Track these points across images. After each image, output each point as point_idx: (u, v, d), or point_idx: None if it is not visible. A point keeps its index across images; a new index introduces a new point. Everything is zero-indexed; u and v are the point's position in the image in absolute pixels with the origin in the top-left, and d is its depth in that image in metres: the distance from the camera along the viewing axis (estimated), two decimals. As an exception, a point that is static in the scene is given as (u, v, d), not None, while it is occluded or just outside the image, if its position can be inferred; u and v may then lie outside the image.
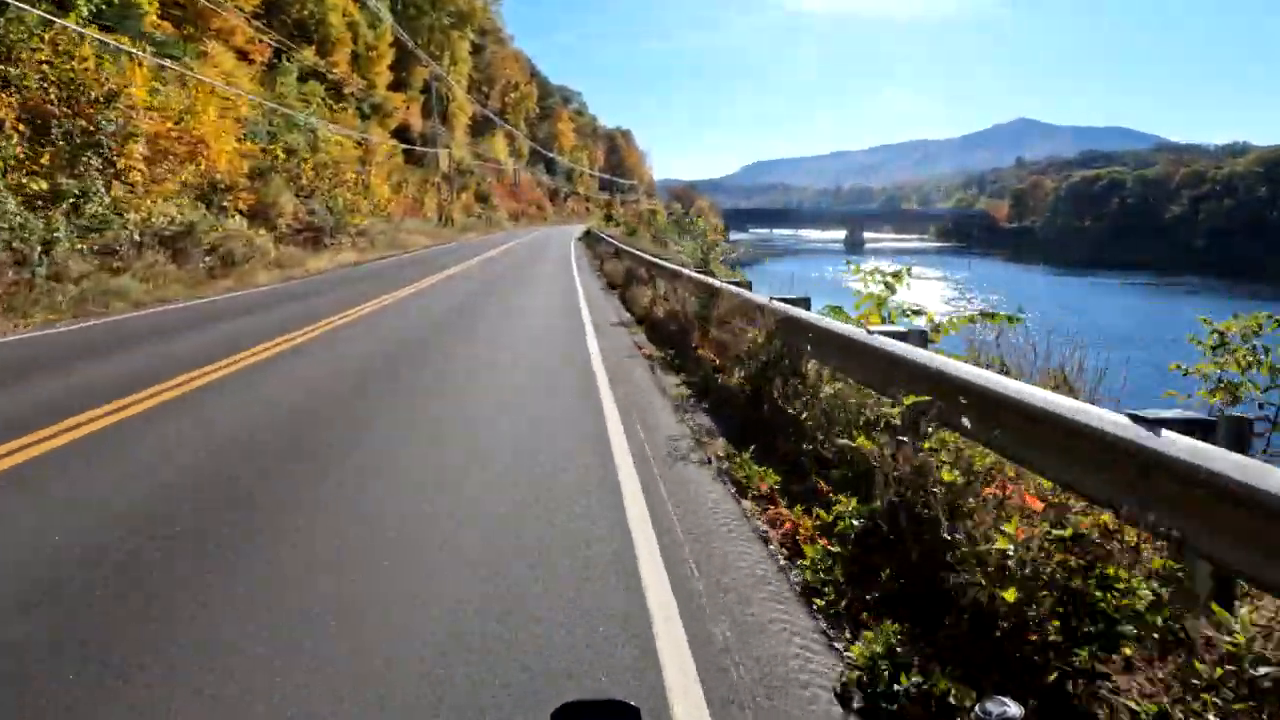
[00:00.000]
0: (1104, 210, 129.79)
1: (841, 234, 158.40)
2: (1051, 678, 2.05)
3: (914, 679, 2.18)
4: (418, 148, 42.95)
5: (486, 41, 74.27)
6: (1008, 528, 2.32)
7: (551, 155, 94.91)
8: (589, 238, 34.05)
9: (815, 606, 2.88)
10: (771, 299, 6.17)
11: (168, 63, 16.42)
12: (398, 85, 49.00)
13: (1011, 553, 2.24)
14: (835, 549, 3.16)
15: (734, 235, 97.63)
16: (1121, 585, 2.06)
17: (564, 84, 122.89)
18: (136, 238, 12.54)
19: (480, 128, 70.68)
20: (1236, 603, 2.08)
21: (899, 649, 2.35)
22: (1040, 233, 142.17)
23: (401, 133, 44.31)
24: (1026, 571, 2.19)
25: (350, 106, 36.73)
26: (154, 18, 17.77)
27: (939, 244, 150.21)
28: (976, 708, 0.61)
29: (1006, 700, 0.60)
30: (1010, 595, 2.16)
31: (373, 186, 30.20)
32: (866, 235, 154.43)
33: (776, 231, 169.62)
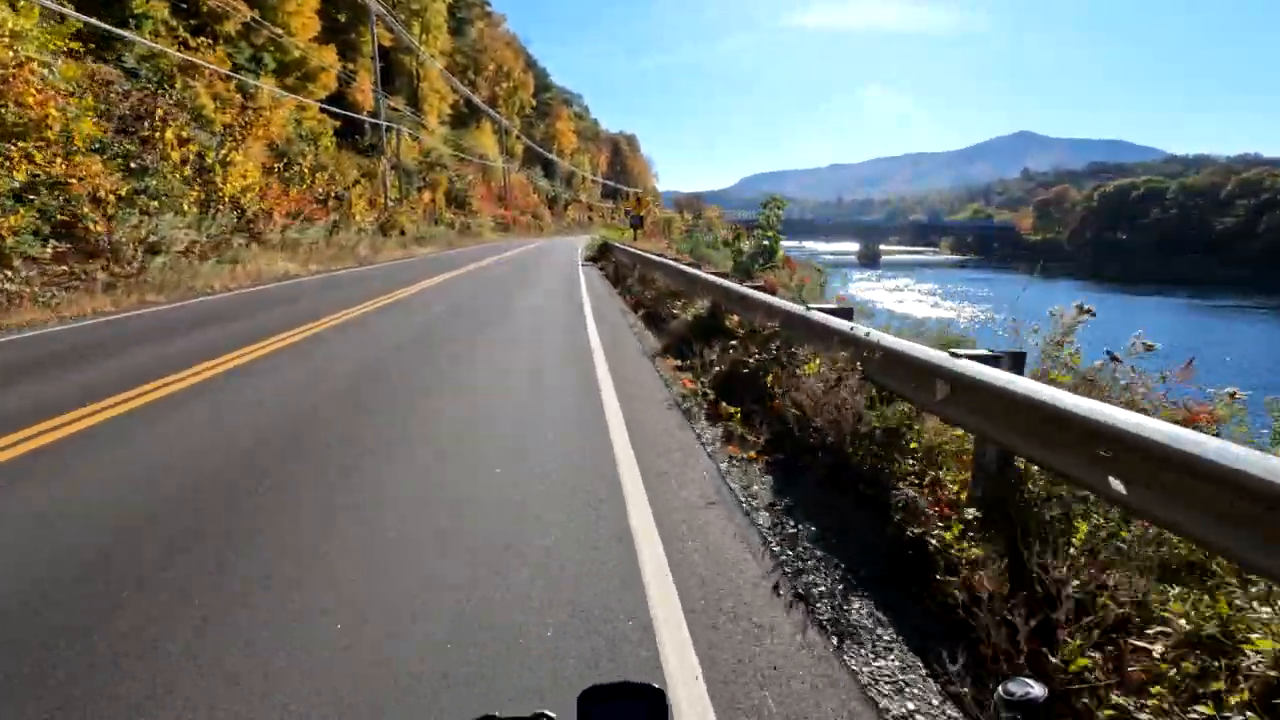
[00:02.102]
0: (1141, 222, 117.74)
1: (852, 246, 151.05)
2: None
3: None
4: (355, 116, 28.88)
5: (472, 16, 60.58)
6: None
7: (550, 156, 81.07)
8: (606, 258, 20.63)
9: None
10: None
11: None
12: (342, 54, 35.26)
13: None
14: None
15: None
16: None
17: (564, 87, 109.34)
18: None
19: (464, 120, 56.95)
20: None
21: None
22: (1069, 245, 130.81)
23: (350, 114, 30.43)
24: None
25: (234, 50, 23.00)
26: None
27: (956, 257, 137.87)
28: (1000, 689, 0.58)
29: (1030, 681, 0.58)
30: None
31: (234, 165, 16.45)
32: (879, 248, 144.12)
33: (783, 243, 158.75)
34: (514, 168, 67.63)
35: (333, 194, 23.43)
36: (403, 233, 27.77)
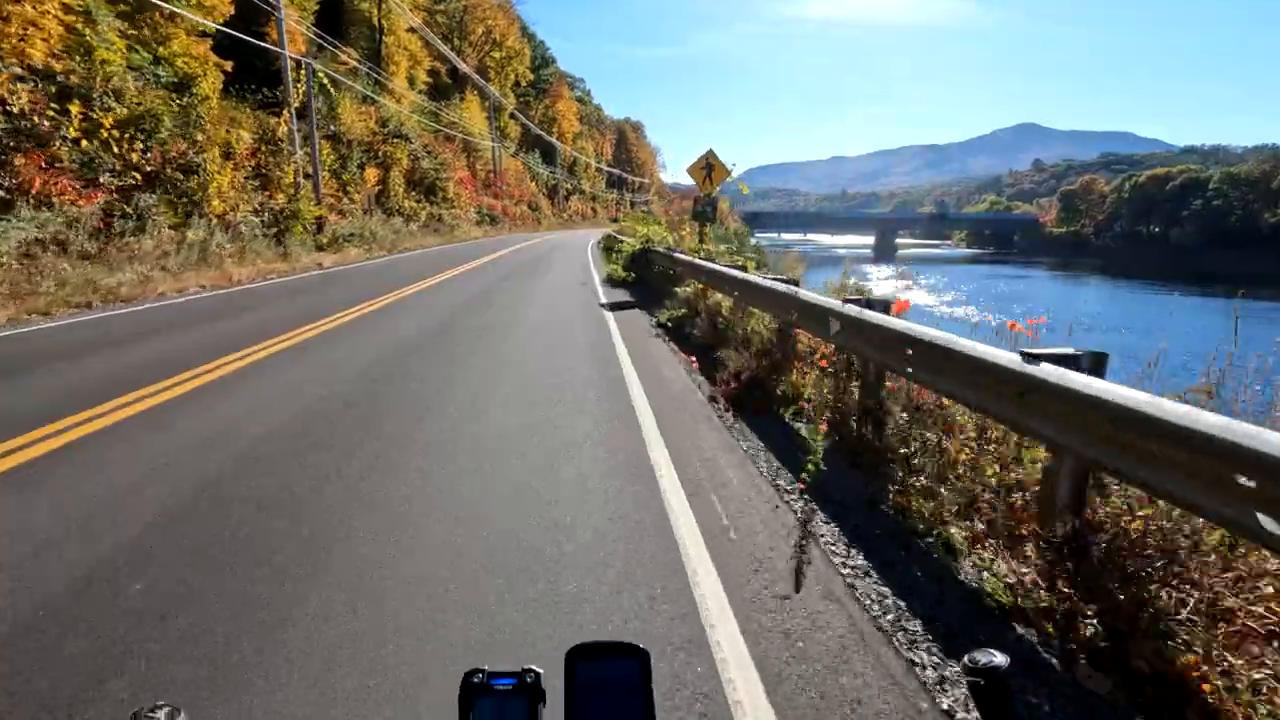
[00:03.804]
0: (1179, 214, 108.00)
1: (860, 239, 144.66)
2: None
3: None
4: (220, 27, 17.94)
5: (454, -33, 49.82)
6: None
7: (550, 140, 70.43)
8: (665, 294, 10.12)
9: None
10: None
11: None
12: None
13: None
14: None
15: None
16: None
17: (566, 71, 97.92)
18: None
19: (445, 92, 46.55)
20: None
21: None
22: (1097, 239, 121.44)
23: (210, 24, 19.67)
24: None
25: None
26: None
27: (974, 251, 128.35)
28: (965, 658, 0.62)
29: (993, 651, 0.61)
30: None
31: None
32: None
33: (785, 235, 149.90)
34: (507, 151, 57.18)
35: (164, 164, 13.20)
36: (319, 229, 17.62)
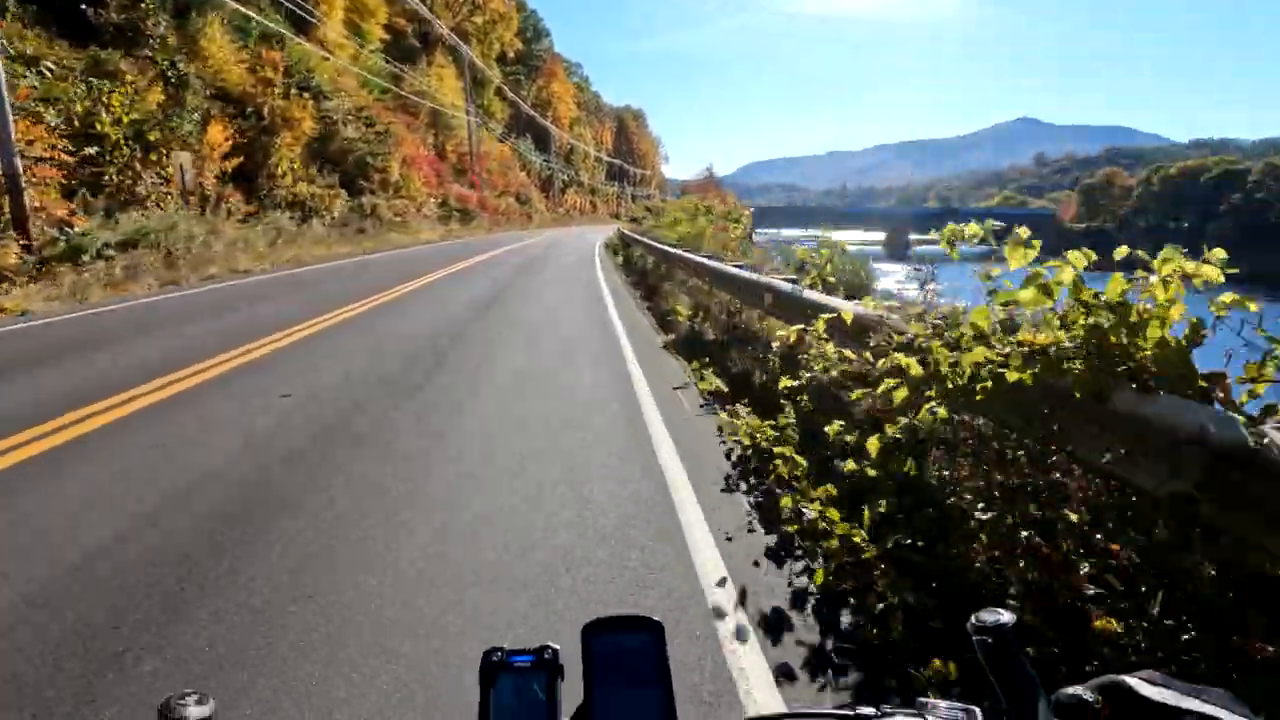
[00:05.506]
0: (1214, 209, 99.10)
1: (865, 235, 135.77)
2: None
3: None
4: None
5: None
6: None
7: (544, 123, 60.20)
8: None
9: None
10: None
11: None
12: None
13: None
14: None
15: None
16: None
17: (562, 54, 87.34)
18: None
19: (411, 55, 36.69)
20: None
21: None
22: (1120, 236, 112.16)
23: None
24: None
25: None
26: None
27: (987, 249, 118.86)
28: (973, 617, 0.62)
29: (999, 610, 0.62)
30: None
31: None
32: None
33: (785, 231, 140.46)
34: (492, 133, 47.13)
35: None
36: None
